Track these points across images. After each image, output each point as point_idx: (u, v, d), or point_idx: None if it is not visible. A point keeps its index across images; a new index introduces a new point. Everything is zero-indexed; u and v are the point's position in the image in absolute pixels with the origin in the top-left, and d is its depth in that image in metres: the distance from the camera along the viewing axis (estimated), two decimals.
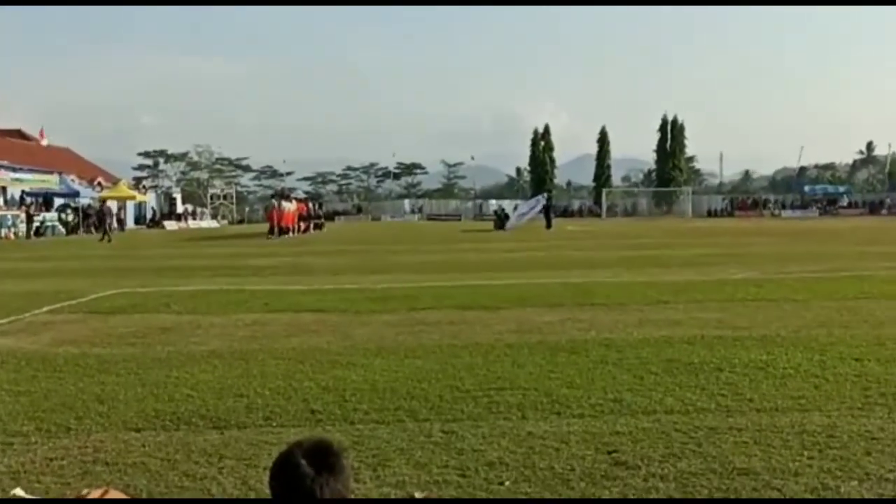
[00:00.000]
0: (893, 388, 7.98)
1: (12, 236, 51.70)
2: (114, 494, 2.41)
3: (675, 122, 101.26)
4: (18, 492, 2.44)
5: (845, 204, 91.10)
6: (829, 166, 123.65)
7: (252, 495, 5.15)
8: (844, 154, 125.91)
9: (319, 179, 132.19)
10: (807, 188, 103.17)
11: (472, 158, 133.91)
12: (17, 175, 61.79)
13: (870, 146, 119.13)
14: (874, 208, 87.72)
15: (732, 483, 5.54)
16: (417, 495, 5.35)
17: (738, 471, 5.76)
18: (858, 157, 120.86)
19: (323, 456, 2.52)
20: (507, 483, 5.64)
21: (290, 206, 52.07)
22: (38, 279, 21.82)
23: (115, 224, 59.22)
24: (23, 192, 60.17)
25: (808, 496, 5.27)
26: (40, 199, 61.11)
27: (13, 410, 7.73)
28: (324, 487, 2.43)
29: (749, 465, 5.87)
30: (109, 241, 46.05)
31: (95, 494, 2.41)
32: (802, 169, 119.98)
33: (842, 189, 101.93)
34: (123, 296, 17.28)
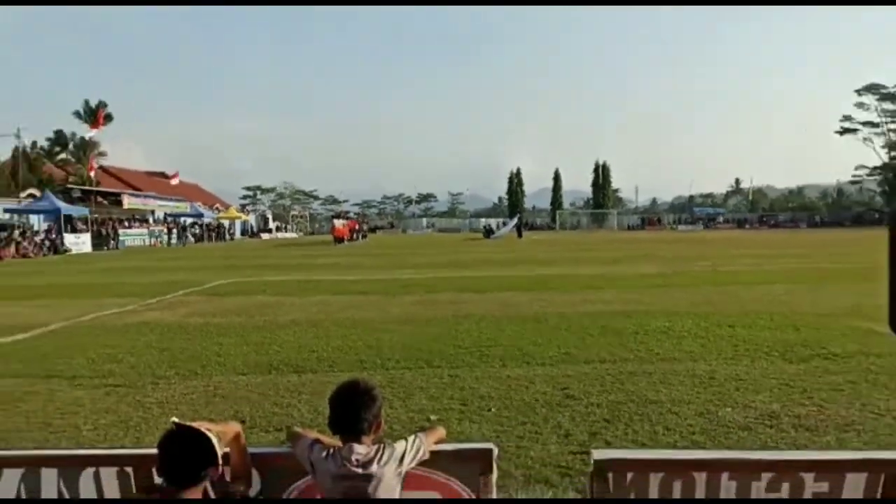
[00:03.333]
0: (755, 346, 8.00)
1: (159, 244, 51.81)
2: (205, 425, 2.40)
3: (604, 165, 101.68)
4: (175, 419, 2.43)
5: (721, 221, 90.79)
6: (710, 195, 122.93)
7: (320, 419, 5.12)
8: (720, 186, 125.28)
9: (364, 204, 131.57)
10: (696, 209, 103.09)
11: (468, 190, 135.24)
12: (161, 202, 62.03)
13: (737, 181, 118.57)
14: (740, 224, 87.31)
15: (645, 408, 5.54)
16: (433, 418, 5.35)
17: (648, 401, 5.78)
18: (730, 188, 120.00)
19: (362, 392, 2.64)
20: (493, 409, 5.64)
21: (344, 223, 52.32)
22: (176, 272, 21.86)
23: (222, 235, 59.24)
24: (165, 214, 60.42)
25: (696, 419, 5.27)
26: (177, 219, 61.26)
27: (160, 361, 7.77)
28: (358, 411, 2.58)
29: (657, 397, 5.89)
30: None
31: (206, 426, 2.41)
32: (692, 197, 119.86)
33: (719, 210, 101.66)
34: (233, 284, 17.29)
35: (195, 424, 2.37)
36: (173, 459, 2.33)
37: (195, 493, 2.30)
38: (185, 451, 2.32)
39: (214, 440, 2.33)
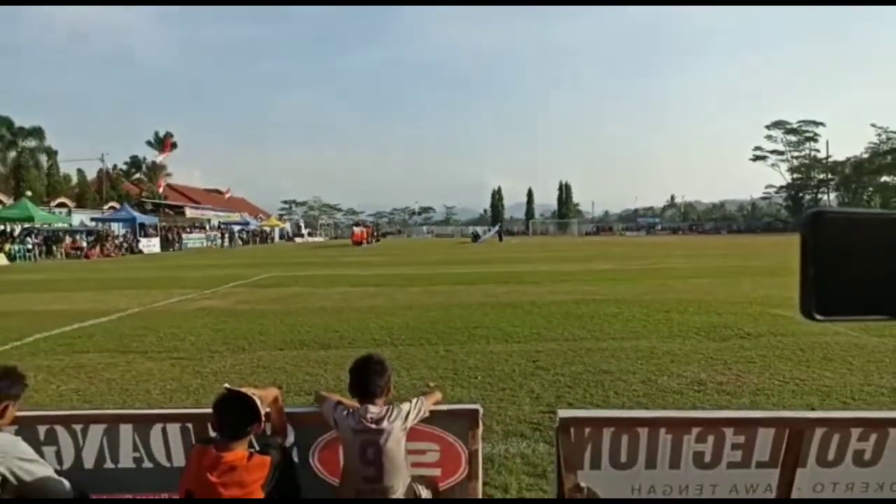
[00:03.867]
0: (686, 327, 8.01)
1: (214, 246, 51.59)
2: (251, 390, 2.40)
3: (567, 185, 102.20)
4: (227, 385, 2.43)
5: (659, 229, 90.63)
6: (651, 208, 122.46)
7: (342, 385, 5.10)
8: (659, 201, 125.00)
9: (377, 215, 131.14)
10: (639, 219, 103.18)
11: (459, 203, 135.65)
12: (216, 213, 61.87)
13: (672, 197, 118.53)
14: (675, 231, 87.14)
15: (600, 377, 5.54)
16: (431, 384, 5.34)
17: (602, 371, 5.77)
18: (666, 202, 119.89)
19: (375, 365, 2.65)
20: (479, 377, 5.64)
21: (362, 230, 52.22)
22: (227, 268, 21.81)
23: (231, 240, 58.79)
24: (219, 222, 60.24)
25: (640, 385, 5.27)
26: (229, 226, 61.06)
27: (215, 339, 7.74)
28: (373, 380, 2.60)
29: (609, 368, 5.89)
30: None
31: (251, 390, 2.41)
32: (636, 209, 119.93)
33: (657, 220, 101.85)
34: (272, 277, 17.24)
35: (243, 389, 2.38)
36: (225, 417, 2.33)
37: (241, 446, 2.30)
38: (234, 410, 2.32)
39: (258, 402, 2.34)
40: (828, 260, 0.70)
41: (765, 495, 2.64)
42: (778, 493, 2.63)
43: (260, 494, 2.27)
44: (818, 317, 0.71)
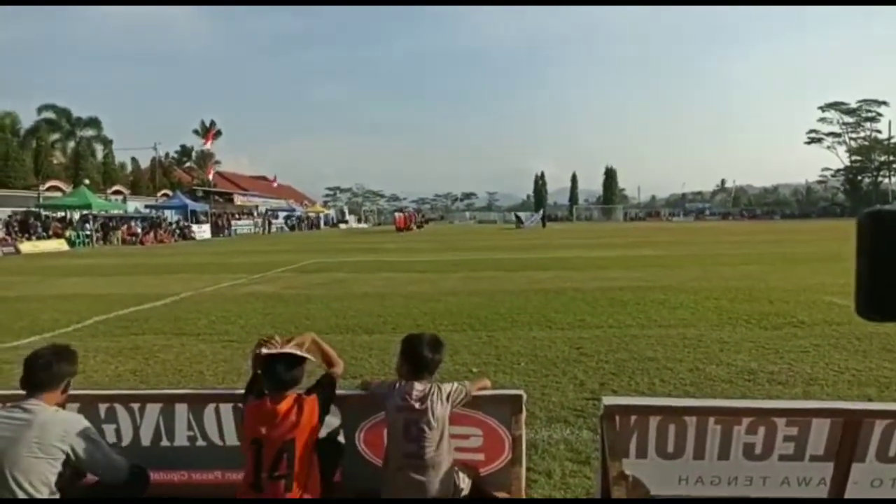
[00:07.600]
0: (735, 315, 7.79)
1: (261, 232, 52.70)
2: (287, 347, 2.61)
3: (612, 170, 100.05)
4: (264, 350, 2.60)
5: (708, 214, 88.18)
6: (699, 192, 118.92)
7: (387, 369, 5.18)
8: (708, 185, 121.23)
9: (420, 201, 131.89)
10: (687, 205, 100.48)
11: (502, 189, 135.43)
12: (263, 200, 63.17)
13: (723, 181, 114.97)
14: (725, 216, 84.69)
15: (645, 364, 5.46)
16: (475, 370, 5.36)
17: (648, 358, 5.68)
18: (716, 187, 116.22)
19: (434, 341, 2.76)
20: (522, 363, 5.62)
21: (405, 216, 52.49)
22: (272, 254, 22.27)
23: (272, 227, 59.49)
24: (266, 209, 61.47)
25: (687, 374, 5.17)
26: (274, 213, 62.23)
27: (263, 322, 7.94)
28: (428, 354, 2.71)
29: (654, 355, 5.79)
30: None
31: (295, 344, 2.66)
32: (684, 194, 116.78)
33: (707, 205, 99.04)
34: (317, 263, 17.51)
35: (284, 349, 2.57)
36: (272, 375, 2.51)
37: (293, 392, 2.50)
38: (280, 366, 2.50)
39: (296, 351, 2.58)
40: (887, 259, 0.67)
41: (818, 489, 2.56)
42: (832, 487, 2.55)
43: (317, 427, 2.52)
44: (875, 317, 0.69)
